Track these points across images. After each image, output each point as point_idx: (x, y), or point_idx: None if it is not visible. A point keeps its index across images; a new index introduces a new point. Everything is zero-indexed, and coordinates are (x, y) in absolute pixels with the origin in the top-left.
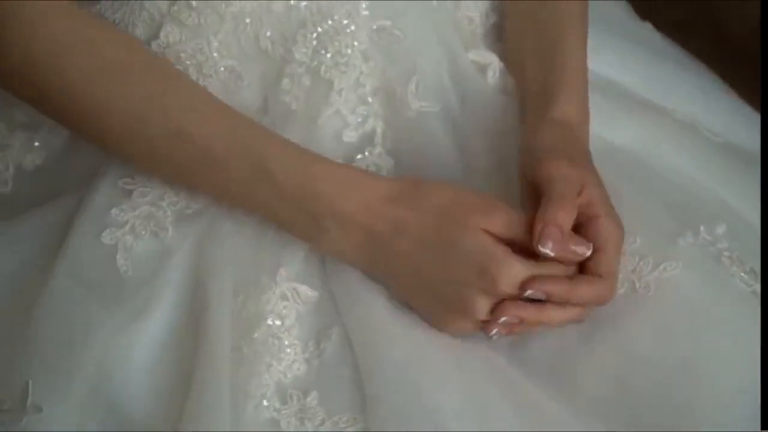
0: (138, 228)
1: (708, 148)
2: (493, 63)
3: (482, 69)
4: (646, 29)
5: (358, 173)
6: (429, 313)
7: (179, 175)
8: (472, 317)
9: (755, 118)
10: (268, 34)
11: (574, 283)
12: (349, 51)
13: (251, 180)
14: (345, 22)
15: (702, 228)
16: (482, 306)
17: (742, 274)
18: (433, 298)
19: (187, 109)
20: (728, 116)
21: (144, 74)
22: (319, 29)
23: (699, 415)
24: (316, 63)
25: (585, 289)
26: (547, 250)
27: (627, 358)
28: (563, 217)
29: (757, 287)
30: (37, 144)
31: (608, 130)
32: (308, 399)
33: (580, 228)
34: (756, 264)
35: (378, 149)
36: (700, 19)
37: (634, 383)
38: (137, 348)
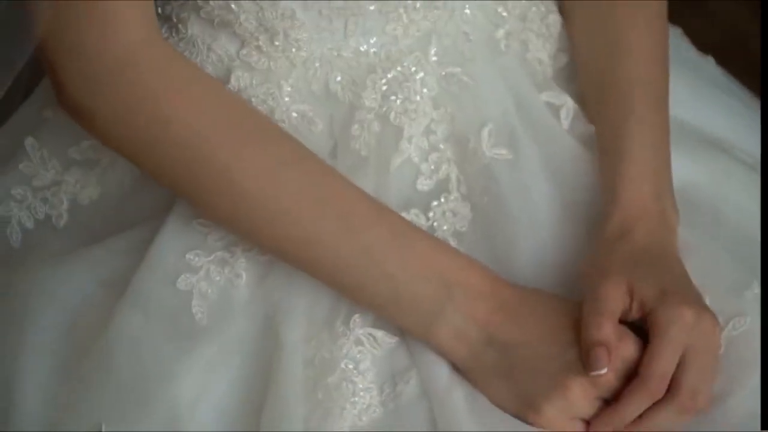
0: (213, 274)
1: None
2: (567, 104)
3: (556, 111)
4: (709, 63)
5: (475, 259)
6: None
7: (303, 240)
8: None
9: None
10: (338, 78)
11: (618, 402)
12: (418, 98)
13: (386, 244)
14: (413, 68)
15: None
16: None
17: None
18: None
19: (322, 175)
20: None
21: (277, 137)
22: (389, 75)
23: None
24: (385, 109)
25: (628, 403)
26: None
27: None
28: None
29: None
30: (94, 179)
31: (675, 172)
32: None
33: None
34: None
35: (454, 195)
36: (733, 43)
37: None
38: (209, 396)
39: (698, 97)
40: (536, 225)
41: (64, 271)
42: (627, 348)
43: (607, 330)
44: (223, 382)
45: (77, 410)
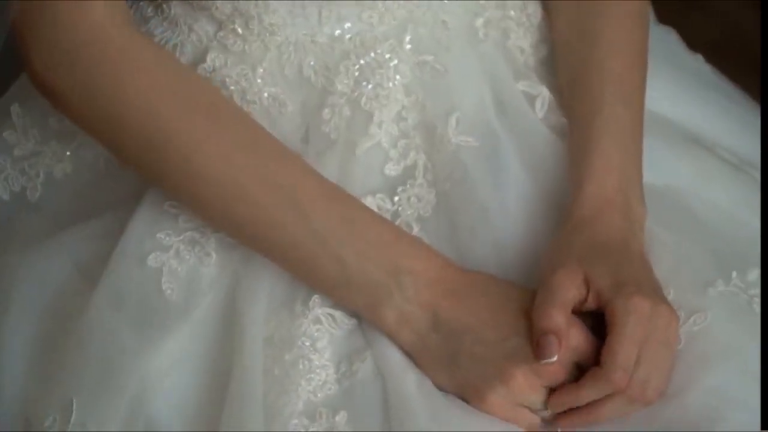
0: (183, 252)
1: (753, 188)
2: (542, 94)
3: (532, 100)
4: (697, 61)
5: (428, 245)
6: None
7: (256, 222)
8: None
9: None
10: (312, 63)
11: (578, 386)
12: (391, 84)
13: (337, 229)
14: (387, 55)
15: (734, 274)
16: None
17: None
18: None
19: (277, 158)
20: None
21: (235, 119)
22: (362, 61)
23: None
24: (357, 94)
25: (588, 390)
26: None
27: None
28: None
29: None
30: (68, 153)
31: (654, 169)
32: (337, 418)
33: None
34: None
35: (420, 180)
36: (733, 39)
37: (665, 422)
38: (175, 369)
39: (684, 95)
40: (505, 212)
41: (43, 254)
42: (575, 338)
43: (558, 319)
44: (189, 359)
45: (51, 387)
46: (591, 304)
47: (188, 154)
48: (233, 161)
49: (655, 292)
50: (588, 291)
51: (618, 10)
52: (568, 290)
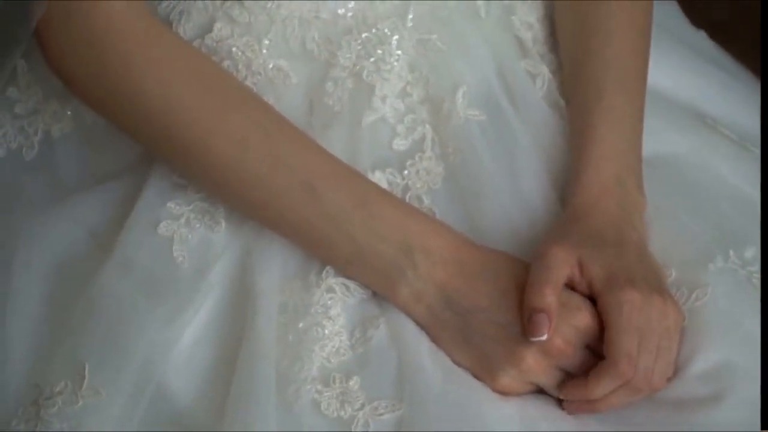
0: (193, 221)
1: (754, 164)
2: (543, 73)
3: (533, 79)
4: (700, 37)
5: (441, 222)
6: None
7: (267, 202)
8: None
9: None
10: (315, 36)
11: (587, 382)
12: (393, 60)
13: (349, 210)
14: (388, 32)
15: (731, 252)
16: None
17: None
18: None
19: (289, 140)
20: None
21: (246, 101)
22: (364, 35)
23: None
24: (359, 68)
25: (597, 386)
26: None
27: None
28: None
29: None
30: (69, 113)
31: (655, 142)
32: (350, 383)
33: None
34: None
35: (428, 154)
36: (741, 20)
37: (668, 395)
38: (185, 336)
39: (686, 71)
40: (514, 183)
41: (54, 218)
42: (582, 318)
43: (549, 297)
44: (200, 326)
45: (60, 351)
46: (584, 291)
47: (202, 139)
48: (247, 146)
49: (647, 283)
50: (582, 276)
51: None
52: (561, 268)
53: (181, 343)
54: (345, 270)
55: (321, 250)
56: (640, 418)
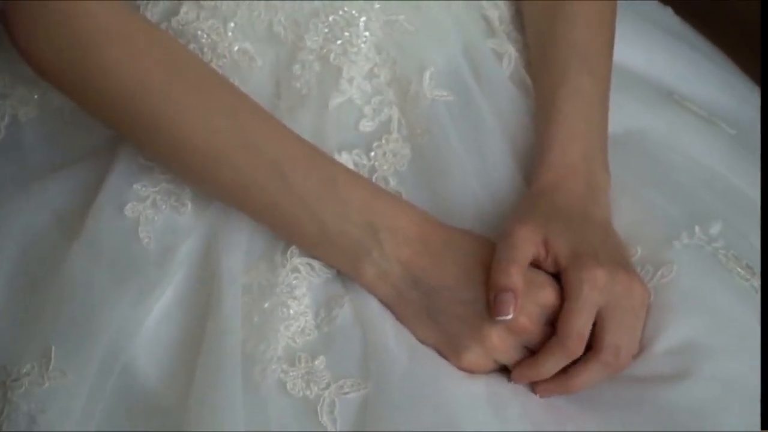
0: (159, 203)
1: (722, 140)
2: (509, 53)
3: (499, 58)
4: (667, 14)
5: (407, 202)
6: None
7: (236, 184)
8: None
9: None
10: (282, 19)
11: (535, 360)
12: (361, 42)
13: (316, 190)
14: (355, 13)
15: (697, 229)
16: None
17: (739, 269)
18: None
19: (257, 122)
20: (740, 103)
21: (214, 83)
22: (331, 18)
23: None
24: (326, 50)
25: (545, 363)
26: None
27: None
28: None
29: (755, 282)
30: (36, 97)
31: (622, 119)
32: (316, 362)
33: None
34: (752, 259)
35: (395, 135)
36: (718, 5)
37: (634, 373)
38: (152, 317)
39: (654, 48)
40: (481, 164)
41: (22, 203)
42: (546, 295)
43: (514, 276)
44: (166, 306)
45: (28, 335)
46: (549, 268)
47: (169, 120)
48: (214, 126)
49: (612, 260)
50: (547, 253)
51: None
52: (527, 248)
53: (148, 324)
54: (311, 250)
55: (288, 230)
56: (606, 396)
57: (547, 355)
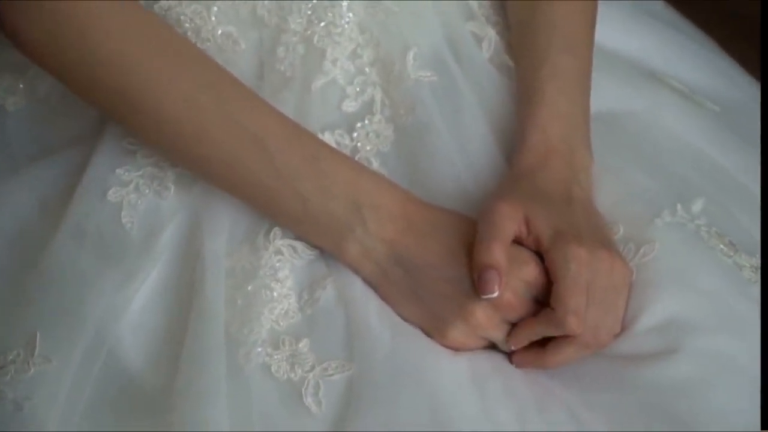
0: (142, 187)
1: (705, 118)
2: (489, 36)
3: (479, 41)
4: None
5: (390, 181)
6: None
7: (219, 161)
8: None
9: (753, 86)
10: (266, 2)
11: (534, 320)
12: (344, 22)
13: (299, 167)
14: None
15: (679, 207)
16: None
17: (722, 246)
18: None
19: (241, 100)
20: (726, 84)
21: (198, 61)
22: (314, 0)
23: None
24: (309, 32)
25: (542, 325)
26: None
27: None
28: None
29: (738, 259)
30: (21, 86)
31: (606, 98)
32: (300, 345)
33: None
34: (736, 236)
35: (377, 116)
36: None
37: (617, 351)
38: (136, 301)
39: (636, 27)
40: (464, 145)
41: (7, 189)
42: (530, 270)
43: (497, 253)
44: (150, 290)
45: (13, 321)
46: (531, 247)
47: (153, 97)
48: (198, 102)
49: (594, 239)
50: (529, 232)
51: None
52: (509, 225)
53: (132, 309)
54: (295, 229)
55: (271, 208)
56: (591, 373)
57: (545, 321)
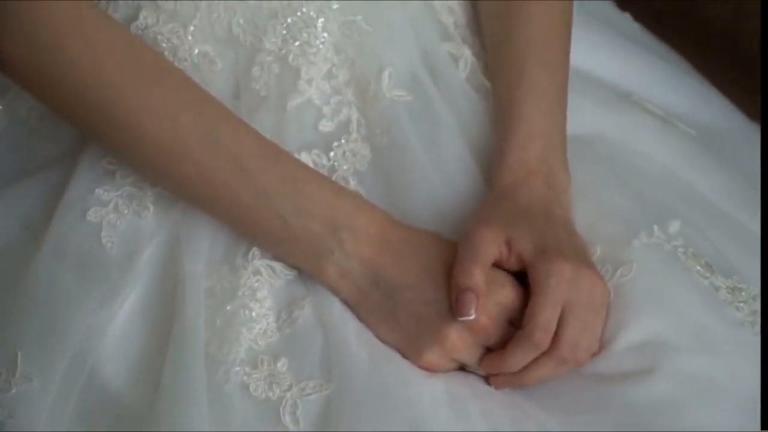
0: (121, 207)
1: (681, 141)
2: (465, 56)
3: (456, 61)
4: (625, 20)
5: (368, 201)
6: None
7: (199, 180)
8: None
9: (728, 107)
10: (240, 21)
11: (505, 352)
12: (319, 42)
13: (278, 187)
14: (313, 14)
15: (656, 228)
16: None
17: (698, 267)
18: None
19: (219, 119)
20: (702, 106)
21: (178, 80)
22: (289, 20)
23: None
24: (284, 52)
25: (514, 355)
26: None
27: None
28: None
29: (714, 280)
30: (1, 107)
31: (582, 120)
32: (278, 364)
33: None
34: (712, 258)
35: (354, 135)
36: (678, 8)
37: (595, 371)
38: (117, 322)
39: (612, 51)
40: (440, 165)
41: None
42: (506, 293)
43: (476, 276)
44: (131, 310)
45: None
46: (513, 266)
47: (134, 115)
48: (177, 122)
49: (577, 256)
50: (510, 252)
51: None
52: (490, 248)
53: (113, 328)
54: (274, 249)
55: (251, 228)
56: (567, 393)
57: (514, 348)
